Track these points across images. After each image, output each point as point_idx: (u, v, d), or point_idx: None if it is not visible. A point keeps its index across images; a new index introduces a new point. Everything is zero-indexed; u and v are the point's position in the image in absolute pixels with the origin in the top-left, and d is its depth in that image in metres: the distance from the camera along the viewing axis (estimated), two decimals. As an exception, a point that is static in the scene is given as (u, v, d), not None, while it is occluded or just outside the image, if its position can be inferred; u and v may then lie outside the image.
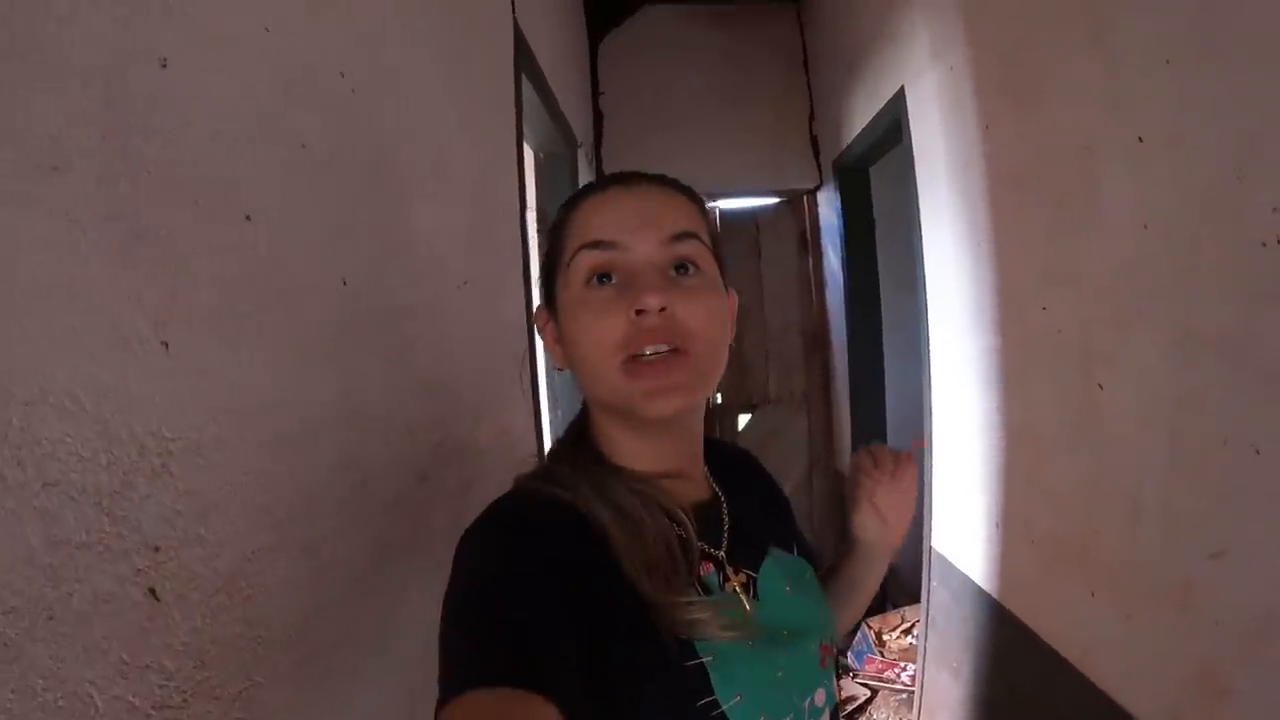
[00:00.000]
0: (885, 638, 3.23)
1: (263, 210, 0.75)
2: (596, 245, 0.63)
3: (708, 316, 0.63)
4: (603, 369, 0.62)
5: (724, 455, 0.81)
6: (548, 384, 2.55)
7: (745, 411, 4.16)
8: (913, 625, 3.20)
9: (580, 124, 3.18)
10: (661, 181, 0.69)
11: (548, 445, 2.10)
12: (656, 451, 0.69)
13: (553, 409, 2.67)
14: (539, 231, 2.94)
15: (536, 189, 2.85)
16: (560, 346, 0.69)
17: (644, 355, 0.61)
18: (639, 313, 0.60)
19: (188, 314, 0.63)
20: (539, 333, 0.71)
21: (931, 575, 2.46)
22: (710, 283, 0.66)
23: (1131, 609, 1.37)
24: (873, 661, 3.07)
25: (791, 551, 0.77)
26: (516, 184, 1.85)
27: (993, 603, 1.97)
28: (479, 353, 1.45)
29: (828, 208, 3.71)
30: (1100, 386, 1.42)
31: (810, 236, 4.00)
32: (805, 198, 3.93)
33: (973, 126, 1.91)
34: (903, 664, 2.99)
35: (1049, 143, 1.56)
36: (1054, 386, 1.61)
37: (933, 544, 2.45)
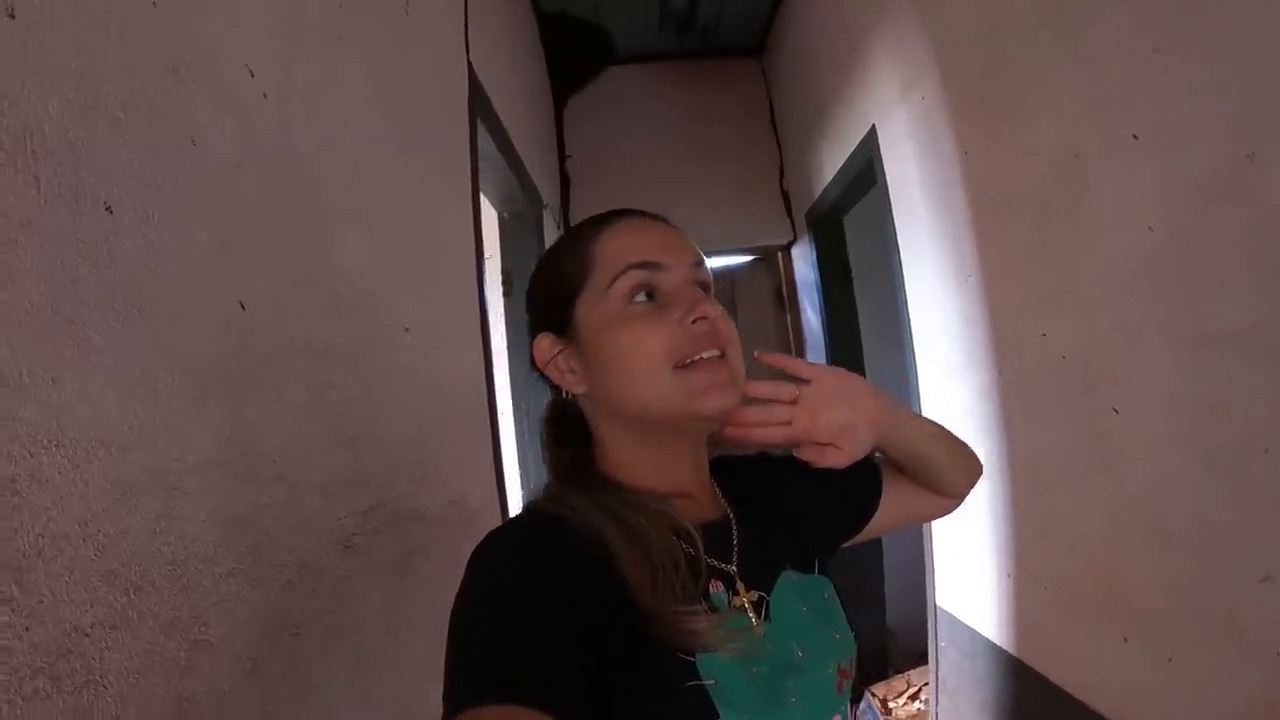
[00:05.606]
0: (891, 705, 3.01)
1: (130, 203, 0.62)
2: (644, 266, 0.67)
3: (735, 331, 0.69)
4: (655, 375, 0.65)
5: (742, 475, 0.80)
6: (518, 445, 2.39)
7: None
8: (919, 689, 3.01)
9: (547, 187, 3.10)
10: (665, 219, 0.73)
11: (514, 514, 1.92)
12: (667, 469, 0.70)
13: (525, 480, 2.49)
14: (504, 294, 2.84)
15: (501, 249, 2.75)
16: (576, 372, 0.70)
17: (699, 359, 0.65)
18: (695, 321, 0.65)
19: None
20: (543, 365, 0.72)
21: (939, 635, 2.28)
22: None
23: (1172, 649, 1.23)
24: (881, 732, 2.83)
25: (812, 570, 0.74)
26: (471, 233, 1.73)
27: (1009, 659, 1.82)
28: (424, 409, 1.28)
29: (803, 262, 3.63)
30: (1115, 410, 1.30)
31: (787, 293, 3.91)
32: (780, 254, 3.87)
33: (950, 154, 1.84)
34: (914, 730, 2.77)
35: (1032, 157, 1.49)
36: (1060, 416, 1.49)
37: (937, 601, 2.28)
